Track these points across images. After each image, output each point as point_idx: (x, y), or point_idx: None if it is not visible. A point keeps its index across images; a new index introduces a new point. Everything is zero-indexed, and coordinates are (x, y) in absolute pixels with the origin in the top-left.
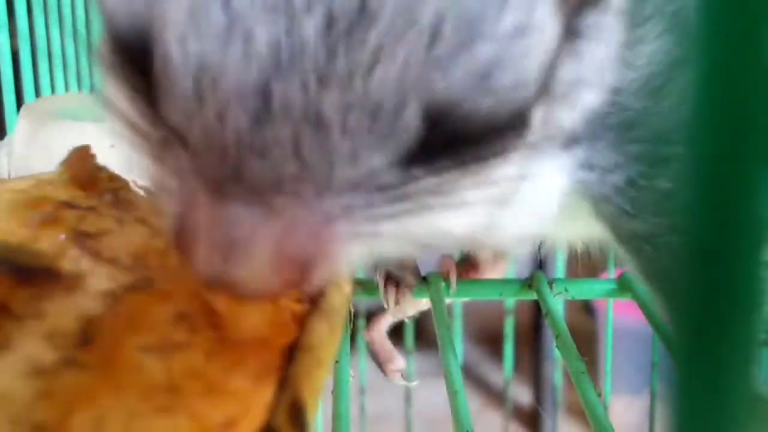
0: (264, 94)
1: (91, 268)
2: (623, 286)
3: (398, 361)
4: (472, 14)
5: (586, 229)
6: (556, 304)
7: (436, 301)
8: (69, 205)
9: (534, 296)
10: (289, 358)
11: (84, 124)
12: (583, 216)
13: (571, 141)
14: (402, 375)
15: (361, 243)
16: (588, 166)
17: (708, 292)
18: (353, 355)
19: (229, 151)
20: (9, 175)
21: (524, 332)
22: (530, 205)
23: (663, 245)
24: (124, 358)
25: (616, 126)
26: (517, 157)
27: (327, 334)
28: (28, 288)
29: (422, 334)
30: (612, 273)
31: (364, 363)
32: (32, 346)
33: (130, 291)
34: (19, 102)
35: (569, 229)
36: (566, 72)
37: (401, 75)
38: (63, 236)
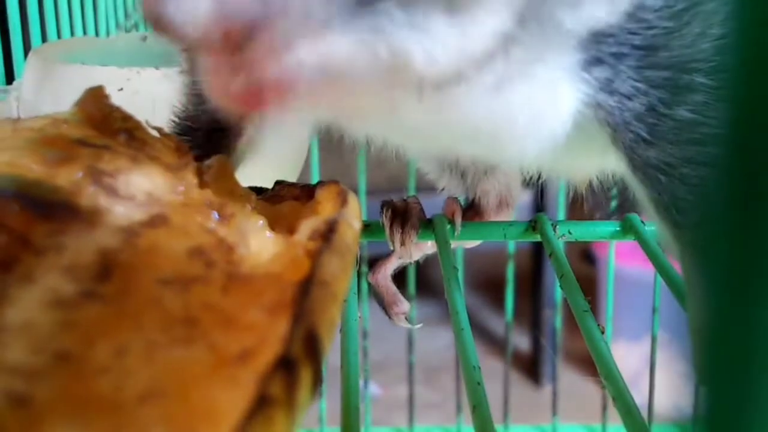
0: None
1: (108, 205)
2: (626, 228)
3: (402, 305)
4: None
5: (600, 159)
6: (560, 245)
7: (441, 243)
8: (85, 143)
9: (538, 238)
10: (303, 293)
11: (91, 68)
12: (599, 145)
13: (592, 61)
14: (406, 318)
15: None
16: (609, 90)
17: (742, 223)
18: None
19: None
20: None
21: (523, 281)
22: (535, 116)
23: (679, 176)
24: (143, 292)
25: (639, 48)
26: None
27: (339, 270)
28: (48, 222)
29: (424, 282)
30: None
31: (367, 308)
32: (53, 279)
33: (147, 227)
34: (27, 47)
35: (582, 160)
36: None
37: None
38: (80, 173)
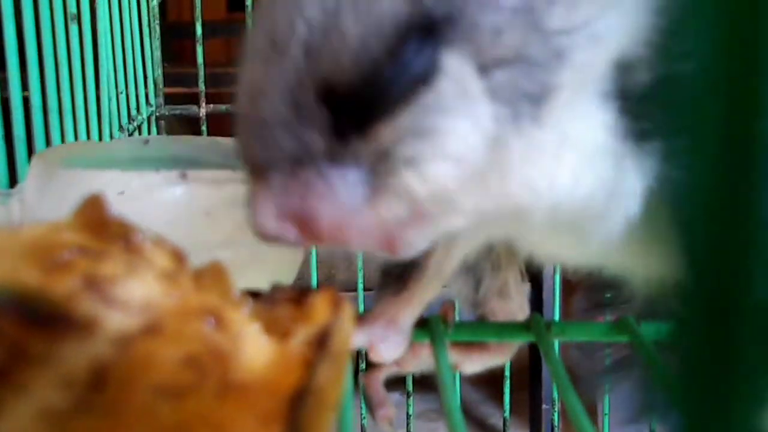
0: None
1: (103, 313)
2: (621, 328)
3: (388, 408)
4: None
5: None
6: (555, 346)
7: (436, 342)
8: (82, 250)
9: (532, 338)
10: (297, 402)
11: (93, 173)
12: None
13: (643, 134)
14: (390, 423)
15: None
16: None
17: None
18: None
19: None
20: (21, 222)
21: (521, 375)
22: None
23: None
24: (136, 401)
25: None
26: (433, 104)
27: (333, 378)
28: (43, 332)
29: (423, 376)
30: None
31: (365, 405)
32: (47, 390)
33: (142, 335)
34: (30, 151)
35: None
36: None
37: (292, 76)
38: (77, 281)
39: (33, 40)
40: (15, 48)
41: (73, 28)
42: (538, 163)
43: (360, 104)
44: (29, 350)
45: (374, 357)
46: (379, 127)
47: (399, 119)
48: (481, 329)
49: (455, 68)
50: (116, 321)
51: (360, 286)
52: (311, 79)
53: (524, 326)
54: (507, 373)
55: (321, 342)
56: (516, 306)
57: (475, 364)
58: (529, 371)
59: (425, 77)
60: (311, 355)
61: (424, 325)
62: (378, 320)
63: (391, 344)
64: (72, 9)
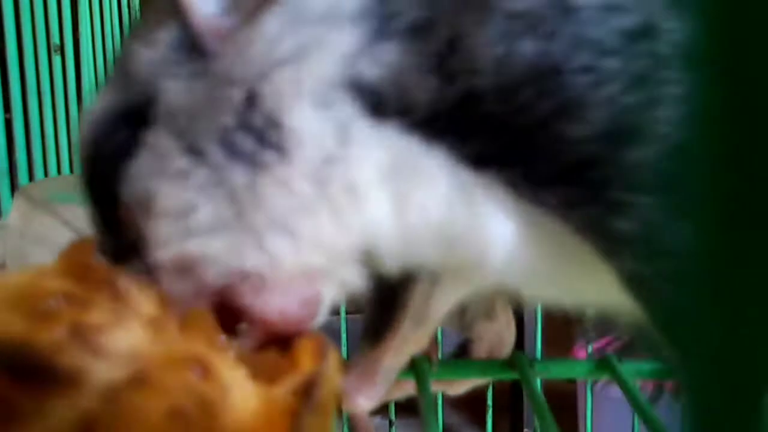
0: None
1: (89, 364)
2: (603, 366)
3: None
4: None
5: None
6: (537, 383)
7: (420, 380)
8: (68, 298)
9: (515, 376)
10: None
11: (75, 209)
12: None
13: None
14: None
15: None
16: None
17: None
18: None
19: None
20: (4, 259)
21: (503, 398)
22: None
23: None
24: None
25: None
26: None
27: (318, 427)
28: (29, 386)
29: (407, 402)
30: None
31: None
32: None
33: (128, 387)
34: (13, 185)
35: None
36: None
37: None
38: (62, 331)
39: (16, 71)
40: None
41: (56, 59)
42: (312, 198)
43: (106, 195)
44: (15, 405)
45: (349, 407)
46: (119, 211)
47: (122, 198)
48: (464, 367)
49: (154, 138)
50: (103, 372)
51: (342, 310)
52: (85, 181)
53: (507, 364)
54: (489, 402)
55: (306, 392)
56: (502, 325)
57: (458, 388)
58: (509, 394)
59: (131, 154)
60: (297, 405)
61: (408, 364)
62: (355, 370)
63: (365, 395)
64: (55, 39)
